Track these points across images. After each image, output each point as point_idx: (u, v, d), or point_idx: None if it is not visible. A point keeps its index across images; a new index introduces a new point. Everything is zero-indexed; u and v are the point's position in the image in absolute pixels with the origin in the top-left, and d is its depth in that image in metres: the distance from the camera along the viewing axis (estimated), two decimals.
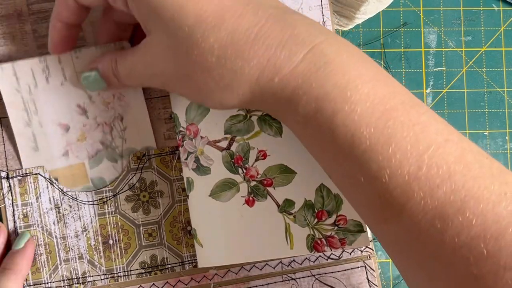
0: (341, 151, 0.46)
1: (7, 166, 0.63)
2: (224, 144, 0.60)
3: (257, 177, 0.60)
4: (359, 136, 0.44)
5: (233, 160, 0.60)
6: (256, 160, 0.60)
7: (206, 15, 0.47)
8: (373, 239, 0.66)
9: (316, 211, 0.58)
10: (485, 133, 0.69)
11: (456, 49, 0.70)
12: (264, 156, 0.59)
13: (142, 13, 0.51)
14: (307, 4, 0.65)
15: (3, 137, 0.63)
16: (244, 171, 0.60)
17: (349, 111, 0.44)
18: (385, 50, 0.69)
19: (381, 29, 0.70)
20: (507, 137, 0.69)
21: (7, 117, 0.62)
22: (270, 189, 0.59)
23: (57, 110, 0.62)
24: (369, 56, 0.68)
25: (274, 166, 0.59)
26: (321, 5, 0.64)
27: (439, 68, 0.70)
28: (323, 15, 0.65)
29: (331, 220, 0.58)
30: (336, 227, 0.58)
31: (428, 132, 0.44)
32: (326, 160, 0.50)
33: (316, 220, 0.58)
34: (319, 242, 0.58)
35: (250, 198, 0.60)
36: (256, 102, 0.50)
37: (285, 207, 0.59)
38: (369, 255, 0.66)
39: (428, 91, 0.69)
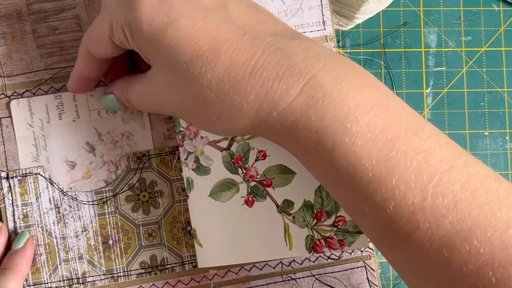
0: (344, 182, 0.46)
1: (7, 166, 0.63)
2: (224, 144, 0.60)
3: (256, 178, 0.60)
4: (361, 168, 0.44)
5: (233, 160, 0.60)
6: (256, 160, 0.60)
7: (202, 50, 0.47)
8: None
9: (315, 212, 0.58)
10: (485, 133, 0.69)
11: (456, 49, 0.70)
12: (264, 156, 0.59)
13: (143, 50, 0.52)
14: (307, 4, 0.65)
15: (3, 137, 0.63)
16: (244, 171, 0.60)
17: (350, 144, 0.44)
18: (385, 50, 0.70)
19: (381, 29, 0.70)
20: (507, 137, 0.69)
21: (6, 117, 0.63)
22: (269, 189, 0.59)
23: (66, 147, 0.64)
24: (369, 56, 0.69)
25: (273, 166, 0.59)
26: (321, 5, 0.65)
27: (439, 68, 0.70)
28: (323, 15, 0.65)
29: (330, 221, 0.58)
30: (335, 228, 0.58)
31: (432, 160, 0.43)
32: (331, 189, 0.50)
33: (315, 221, 0.58)
34: (318, 243, 0.58)
35: (250, 198, 0.60)
36: (258, 132, 0.50)
37: (284, 207, 0.59)
38: (369, 255, 0.66)
39: (428, 91, 0.69)
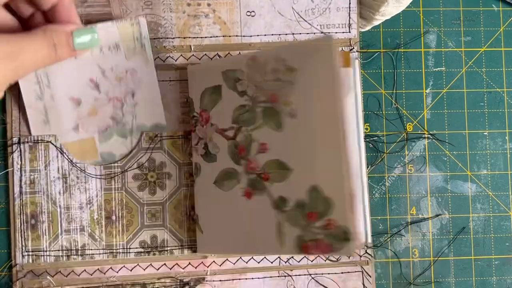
0: None
1: (19, 130, 0.64)
2: (230, 133, 0.62)
3: (256, 170, 0.61)
4: None
5: (237, 150, 0.62)
6: (257, 152, 0.61)
7: None
8: (374, 246, 0.68)
9: (307, 212, 0.58)
10: (484, 133, 0.71)
11: (455, 49, 0.72)
12: (265, 149, 0.60)
13: None
14: (335, 5, 0.67)
15: (18, 104, 0.64)
16: (246, 162, 0.61)
17: None
18: (385, 50, 0.71)
19: (381, 29, 0.71)
20: (506, 137, 0.71)
21: None
22: (267, 183, 0.60)
23: (70, 84, 0.64)
24: (369, 56, 0.71)
25: (272, 161, 0.60)
26: (349, 8, 0.67)
27: (438, 68, 0.72)
28: (349, 18, 0.67)
29: (321, 222, 0.57)
30: (325, 231, 0.57)
31: None
32: None
33: (307, 221, 0.58)
34: (308, 244, 0.58)
35: (249, 190, 0.61)
36: None
37: (279, 204, 0.60)
38: (367, 260, 0.67)
39: (428, 91, 0.71)
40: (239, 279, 0.67)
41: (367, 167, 0.69)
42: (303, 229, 0.58)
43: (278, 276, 0.67)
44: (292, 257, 0.67)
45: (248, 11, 0.68)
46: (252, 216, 0.61)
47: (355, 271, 0.67)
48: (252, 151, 0.61)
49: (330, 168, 0.56)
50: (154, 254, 0.65)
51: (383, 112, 0.71)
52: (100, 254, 0.64)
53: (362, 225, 0.64)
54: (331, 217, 0.56)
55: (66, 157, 0.64)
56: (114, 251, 0.64)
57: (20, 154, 0.64)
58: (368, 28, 0.69)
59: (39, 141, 0.64)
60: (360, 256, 0.67)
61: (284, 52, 0.60)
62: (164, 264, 0.65)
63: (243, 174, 0.62)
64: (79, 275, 0.65)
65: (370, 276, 0.67)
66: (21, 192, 0.64)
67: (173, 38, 0.67)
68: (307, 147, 0.58)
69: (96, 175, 0.64)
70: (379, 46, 0.72)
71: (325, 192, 0.56)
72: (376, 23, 0.69)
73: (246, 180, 0.61)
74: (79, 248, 0.64)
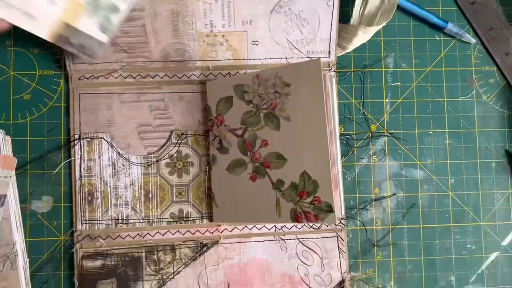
0: None
1: (80, 130, 0.73)
2: (239, 132, 0.69)
3: (259, 160, 0.67)
4: None
5: (244, 145, 0.68)
6: (260, 147, 0.67)
7: None
8: (346, 217, 0.76)
9: (299, 191, 0.63)
10: (430, 132, 0.76)
11: (408, 69, 0.77)
12: (266, 144, 0.66)
13: None
14: (319, 37, 0.76)
15: (79, 108, 0.73)
16: (251, 154, 0.68)
17: None
18: (355, 70, 0.77)
19: (352, 54, 0.77)
20: (446, 135, 0.76)
21: (87, 92, 0.72)
22: (268, 170, 0.66)
23: None
24: (342, 75, 0.78)
25: (272, 153, 0.65)
26: (330, 39, 0.75)
27: (395, 84, 0.77)
28: (329, 47, 0.76)
29: (309, 199, 0.62)
30: (312, 206, 0.62)
31: None
32: None
33: (298, 198, 0.63)
34: (299, 215, 0.63)
35: (254, 175, 0.67)
36: None
37: (277, 185, 0.65)
38: (341, 228, 0.76)
39: (387, 100, 0.76)
40: (245, 241, 0.75)
41: (342, 158, 0.76)
42: (296, 204, 0.63)
43: (274, 240, 0.75)
44: (285, 225, 0.75)
45: (253, 41, 0.75)
46: (256, 195, 0.67)
47: (332, 236, 0.76)
48: (256, 146, 0.66)
49: (316, 158, 0.61)
50: (180, 223, 0.73)
51: (354, 117, 0.78)
52: (140, 223, 0.73)
53: (339, 201, 0.70)
54: (317, 195, 0.61)
55: (115, 150, 0.72)
56: (151, 220, 0.73)
57: (80, 147, 0.72)
58: (343, 53, 0.78)
59: (95, 138, 0.72)
60: (336, 225, 0.76)
61: (281, 71, 0.64)
62: (188, 230, 0.74)
63: (249, 163, 0.67)
64: (124, 239, 0.72)
65: (344, 240, 0.76)
66: (81, 176, 0.72)
67: (196, 60, 0.74)
68: (299, 142, 0.62)
69: (137, 163, 0.73)
70: (351, 66, 0.79)
71: (312, 176, 0.62)
72: (349, 49, 0.77)
73: (252, 167, 0.67)
74: (124, 218, 0.72)
